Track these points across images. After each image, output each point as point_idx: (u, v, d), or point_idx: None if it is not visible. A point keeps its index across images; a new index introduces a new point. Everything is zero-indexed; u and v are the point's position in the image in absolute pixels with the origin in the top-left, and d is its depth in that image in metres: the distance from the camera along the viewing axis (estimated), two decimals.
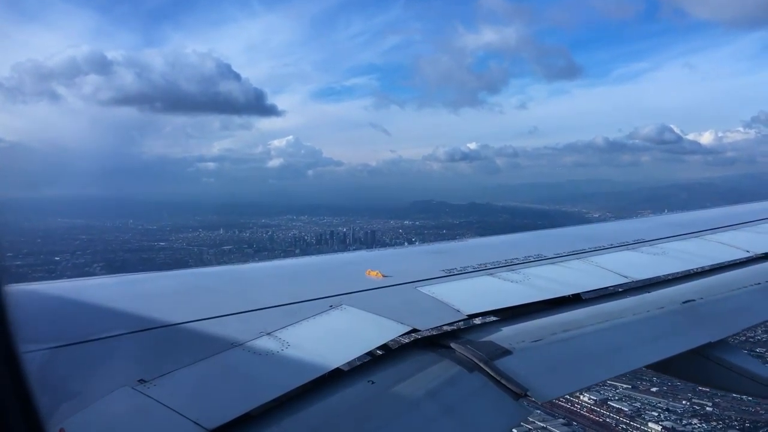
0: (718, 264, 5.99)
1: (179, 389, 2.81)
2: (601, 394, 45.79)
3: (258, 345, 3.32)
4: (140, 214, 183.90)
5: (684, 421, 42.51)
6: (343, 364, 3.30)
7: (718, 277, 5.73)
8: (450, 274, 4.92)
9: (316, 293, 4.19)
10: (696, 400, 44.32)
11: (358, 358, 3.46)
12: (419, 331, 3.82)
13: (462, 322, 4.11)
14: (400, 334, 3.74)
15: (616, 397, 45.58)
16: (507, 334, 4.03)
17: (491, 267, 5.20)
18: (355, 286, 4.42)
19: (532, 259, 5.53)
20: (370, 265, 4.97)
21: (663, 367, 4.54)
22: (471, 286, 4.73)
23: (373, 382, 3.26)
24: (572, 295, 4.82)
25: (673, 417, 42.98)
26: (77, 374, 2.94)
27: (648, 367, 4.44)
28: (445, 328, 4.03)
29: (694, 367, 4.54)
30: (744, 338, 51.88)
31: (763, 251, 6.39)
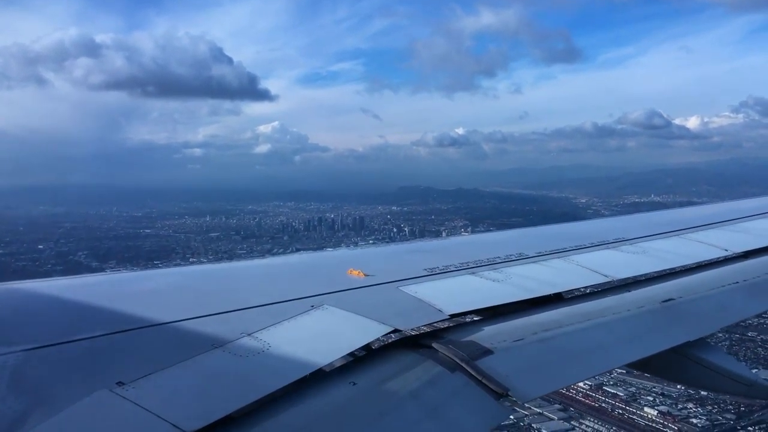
0: (697, 263, 6.01)
1: (159, 392, 2.77)
2: (596, 379, 45.77)
3: (238, 346, 3.28)
4: (124, 201, 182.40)
5: (680, 406, 42.69)
6: (325, 365, 3.27)
7: (697, 276, 5.75)
8: (432, 273, 4.89)
9: (298, 293, 4.15)
10: None
11: (340, 359, 3.42)
12: (401, 331, 3.80)
13: (444, 322, 4.09)
14: (382, 334, 3.70)
15: (611, 382, 45.68)
16: (489, 333, 4.03)
17: (473, 266, 5.18)
18: (337, 286, 4.39)
19: (514, 258, 5.53)
20: (351, 263, 4.93)
21: (643, 365, 4.59)
22: (453, 286, 4.72)
23: (354, 383, 3.24)
24: (553, 294, 4.83)
25: (669, 401, 43.18)
26: (53, 377, 2.86)
27: (628, 366, 4.48)
28: (427, 328, 4.01)
29: (673, 366, 4.58)
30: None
31: (742, 250, 6.43)
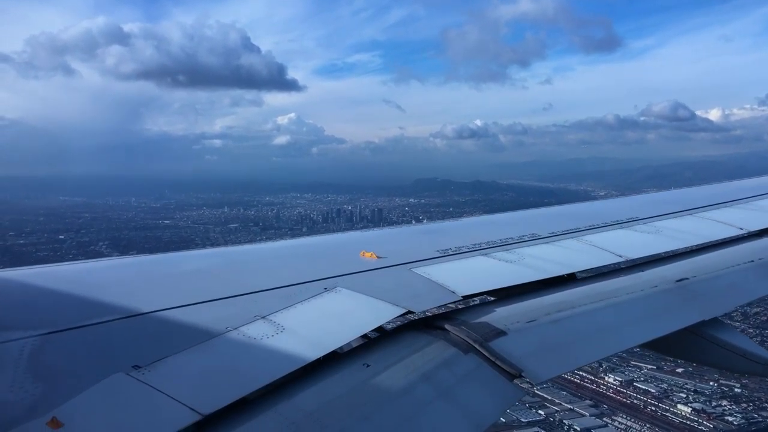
0: (711, 242, 5.96)
1: (174, 375, 2.80)
2: (626, 375, 45.01)
3: (252, 329, 3.30)
4: (142, 192, 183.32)
5: (713, 403, 41.76)
6: (338, 347, 3.28)
7: (712, 255, 5.70)
8: (445, 255, 4.89)
9: (311, 275, 4.17)
10: (723, 381, 43.57)
11: (353, 341, 3.42)
12: (414, 312, 3.80)
13: (457, 304, 4.09)
14: (395, 316, 3.71)
15: (642, 378, 44.84)
16: (502, 314, 4.02)
17: (486, 247, 5.16)
18: (350, 268, 4.39)
19: (527, 239, 5.50)
20: (364, 246, 4.93)
21: (657, 345, 4.55)
22: (466, 267, 4.70)
23: (368, 365, 3.25)
24: (567, 274, 4.80)
25: (702, 398, 42.31)
26: (70, 360, 2.89)
27: (642, 346, 4.44)
28: (440, 309, 3.99)
29: (687, 346, 4.55)
30: (766, 318, 50.87)
31: (756, 228, 6.36)
